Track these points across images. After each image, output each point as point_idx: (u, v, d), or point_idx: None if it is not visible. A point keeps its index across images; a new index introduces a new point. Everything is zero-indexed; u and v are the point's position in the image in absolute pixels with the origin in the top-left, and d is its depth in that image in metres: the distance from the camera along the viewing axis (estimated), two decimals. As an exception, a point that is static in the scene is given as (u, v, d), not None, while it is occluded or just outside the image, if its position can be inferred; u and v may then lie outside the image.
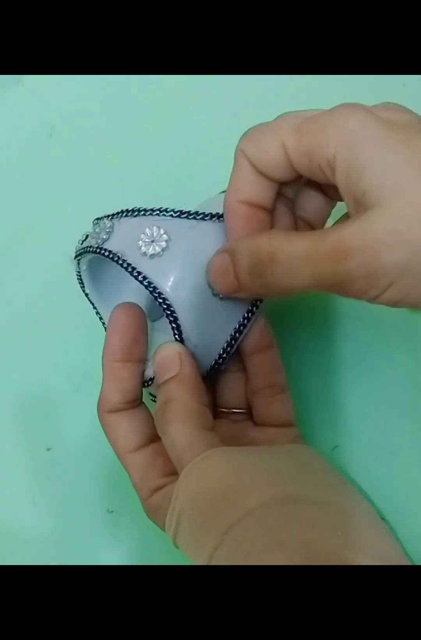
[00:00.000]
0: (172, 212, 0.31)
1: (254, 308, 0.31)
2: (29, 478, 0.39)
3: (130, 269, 0.30)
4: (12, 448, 0.39)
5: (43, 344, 0.40)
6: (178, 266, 0.30)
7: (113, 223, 0.31)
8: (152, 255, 0.30)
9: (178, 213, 0.31)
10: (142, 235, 0.30)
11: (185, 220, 0.30)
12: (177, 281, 0.30)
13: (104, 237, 0.31)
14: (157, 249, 0.30)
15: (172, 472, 0.30)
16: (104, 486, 0.38)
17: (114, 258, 0.30)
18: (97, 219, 0.33)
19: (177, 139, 0.41)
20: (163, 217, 0.31)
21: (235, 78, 0.40)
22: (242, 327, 0.31)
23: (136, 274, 0.30)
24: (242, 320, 0.31)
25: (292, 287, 0.27)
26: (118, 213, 0.32)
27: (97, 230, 0.32)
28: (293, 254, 0.26)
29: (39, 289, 0.41)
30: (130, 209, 0.31)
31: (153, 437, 0.31)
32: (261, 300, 0.31)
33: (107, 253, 0.30)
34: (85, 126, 0.43)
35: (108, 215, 0.32)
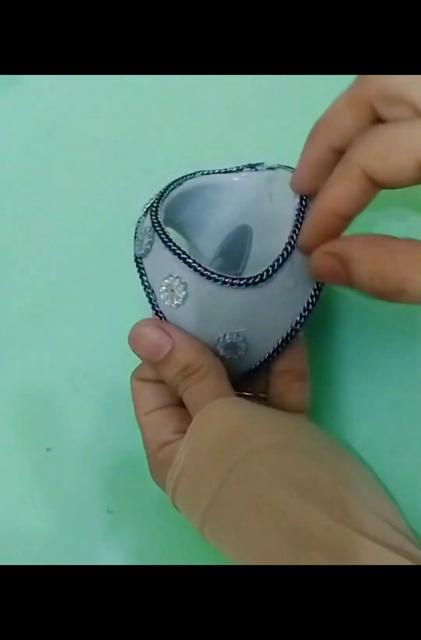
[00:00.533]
0: (195, 265, 0.30)
1: (289, 337, 0.31)
2: (28, 478, 0.39)
3: (154, 311, 0.31)
4: (12, 448, 0.39)
5: (43, 345, 0.40)
6: (193, 325, 0.31)
7: (153, 238, 0.31)
8: (171, 306, 0.31)
9: (201, 269, 0.30)
10: (165, 280, 0.30)
11: (205, 279, 0.30)
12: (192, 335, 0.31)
13: (147, 248, 0.31)
14: (175, 302, 0.30)
15: (183, 430, 0.31)
16: (104, 486, 0.38)
17: (146, 290, 0.31)
18: (148, 207, 0.33)
19: (176, 138, 0.41)
20: (186, 267, 0.30)
21: (235, 78, 0.40)
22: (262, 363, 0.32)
23: (160, 317, 0.31)
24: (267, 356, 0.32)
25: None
26: (157, 224, 0.31)
27: (142, 232, 0.32)
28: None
29: (39, 289, 0.41)
30: (164, 235, 0.31)
31: (171, 404, 0.33)
32: (295, 334, 0.31)
33: (144, 278, 0.31)
34: (85, 126, 0.43)
35: (153, 221, 0.31)
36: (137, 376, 0.33)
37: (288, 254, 0.29)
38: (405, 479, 0.34)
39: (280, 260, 0.29)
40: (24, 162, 0.43)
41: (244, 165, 0.34)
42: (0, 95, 0.44)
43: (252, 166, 0.34)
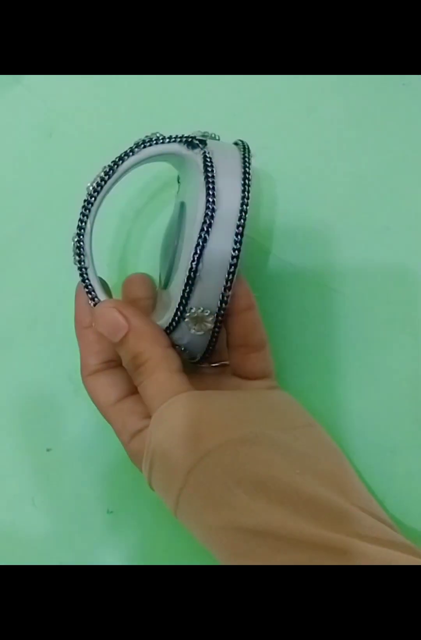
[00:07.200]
0: (96, 293, 0.32)
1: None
2: (28, 478, 0.39)
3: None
4: (12, 448, 0.39)
5: (43, 345, 0.40)
6: None
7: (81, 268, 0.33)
8: None
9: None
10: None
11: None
12: None
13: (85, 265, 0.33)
14: None
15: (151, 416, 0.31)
16: (104, 486, 0.38)
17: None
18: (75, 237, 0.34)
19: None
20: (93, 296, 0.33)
21: (235, 78, 0.40)
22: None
23: None
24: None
25: None
26: (78, 259, 0.33)
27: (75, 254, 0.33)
28: None
29: (39, 289, 0.41)
30: (81, 273, 0.32)
31: (133, 391, 0.33)
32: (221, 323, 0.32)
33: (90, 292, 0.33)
34: (85, 126, 0.43)
35: (75, 255, 0.33)
36: (85, 373, 0.33)
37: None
38: (405, 479, 0.34)
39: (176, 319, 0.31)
40: (23, 162, 0.43)
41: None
42: (0, 95, 0.44)
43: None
